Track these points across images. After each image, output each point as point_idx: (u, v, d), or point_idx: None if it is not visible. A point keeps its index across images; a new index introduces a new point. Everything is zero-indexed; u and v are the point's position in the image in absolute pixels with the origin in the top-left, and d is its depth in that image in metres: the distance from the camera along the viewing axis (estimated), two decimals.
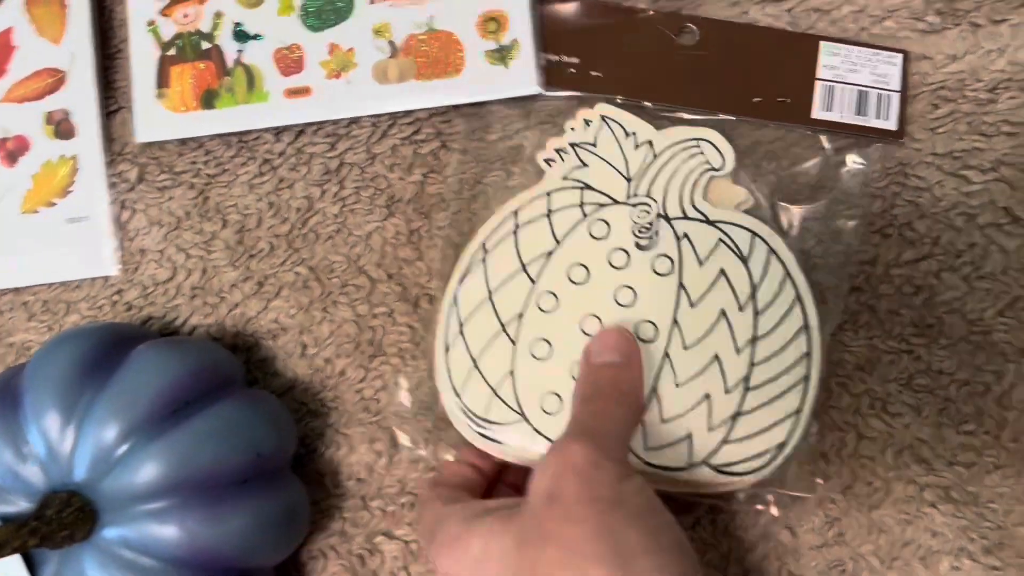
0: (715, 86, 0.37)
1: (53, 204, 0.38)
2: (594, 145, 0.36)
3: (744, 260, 0.34)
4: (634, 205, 0.35)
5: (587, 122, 0.36)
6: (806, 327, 0.34)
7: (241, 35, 0.38)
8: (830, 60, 0.37)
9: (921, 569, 0.35)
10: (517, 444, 0.34)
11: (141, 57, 0.38)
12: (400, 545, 0.37)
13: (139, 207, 0.39)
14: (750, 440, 0.33)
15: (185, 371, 0.32)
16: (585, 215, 0.35)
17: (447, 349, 0.35)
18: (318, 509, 0.37)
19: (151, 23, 0.39)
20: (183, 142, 0.39)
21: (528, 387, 0.34)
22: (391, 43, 0.38)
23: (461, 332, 0.35)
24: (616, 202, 0.35)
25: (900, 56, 0.37)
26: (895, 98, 0.37)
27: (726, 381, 0.33)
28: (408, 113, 0.38)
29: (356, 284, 0.38)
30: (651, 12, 0.38)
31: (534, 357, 0.34)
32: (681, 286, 0.34)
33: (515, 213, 0.35)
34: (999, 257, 0.36)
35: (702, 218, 0.35)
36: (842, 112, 0.37)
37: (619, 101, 0.37)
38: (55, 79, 0.39)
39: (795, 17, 0.38)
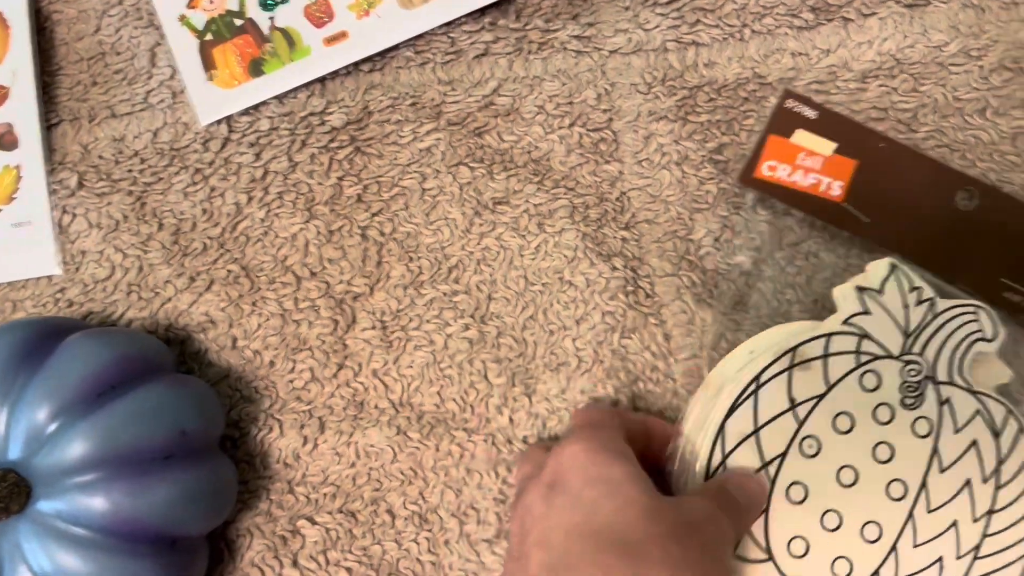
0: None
1: None
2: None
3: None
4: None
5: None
6: None
7: (268, 4, 0.42)
8: None
9: None
10: None
11: (182, 49, 0.42)
12: (321, 531, 0.39)
13: (79, 211, 0.42)
14: None
15: (111, 357, 0.35)
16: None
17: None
18: (247, 489, 0.40)
19: (182, 17, 0.42)
20: (119, 151, 0.42)
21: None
22: None
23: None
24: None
25: None
26: None
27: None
28: (324, 122, 0.42)
29: (283, 281, 0.41)
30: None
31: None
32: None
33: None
34: None
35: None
36: None
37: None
38: None
39: (682, 15, 0.41)
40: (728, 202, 0.40)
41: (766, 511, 0.34)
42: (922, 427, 0.35)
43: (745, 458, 0.34)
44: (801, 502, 0.34)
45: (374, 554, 0.39)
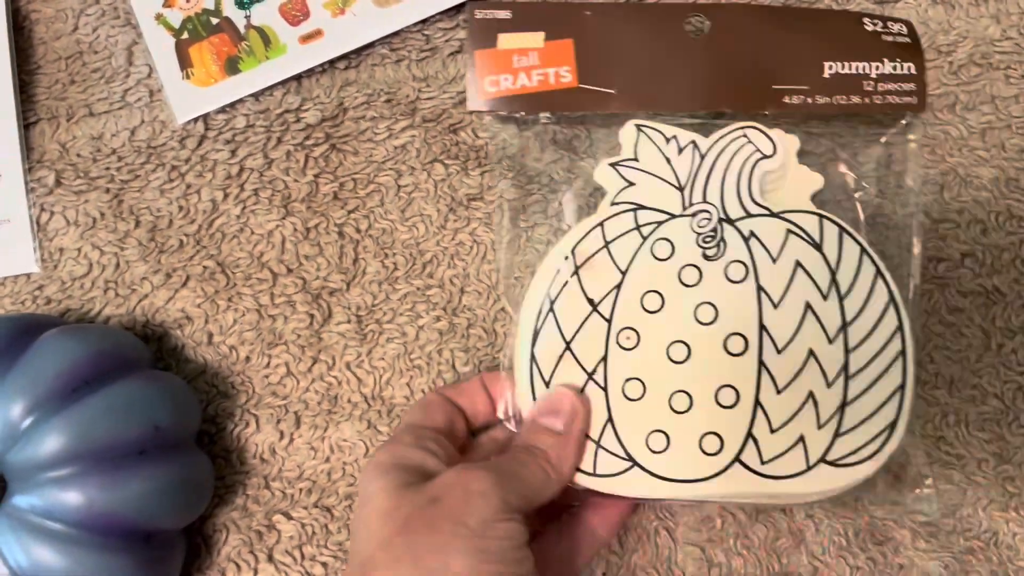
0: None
1: None
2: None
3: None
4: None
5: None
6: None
7: (244, 2, 0.42)
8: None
9: None
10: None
11: (158, 48, 0.42)
12: (296, 526, 0.40)
13: (57, 209, 0.42)
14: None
15: (85, 353, 0.35)
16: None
17: None
18: (224, 484, 0.40)
19: (159, 16, 0.42)
20: (97, 149, 0.42)
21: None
22: None
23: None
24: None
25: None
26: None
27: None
28: (299, 119, 0.42)
29: (259, 277, 0.41)
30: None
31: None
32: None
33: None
34: None
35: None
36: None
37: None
38: None
39: None
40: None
41: (610, 419, 0.32)
42: (736, 271, 0.33)
43: (568, 376, 0.33)
44: (642, 396, 0.33)
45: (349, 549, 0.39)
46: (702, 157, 0.34)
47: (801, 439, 0.32)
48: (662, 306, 0.33)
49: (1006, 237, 0.40)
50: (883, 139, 0.37)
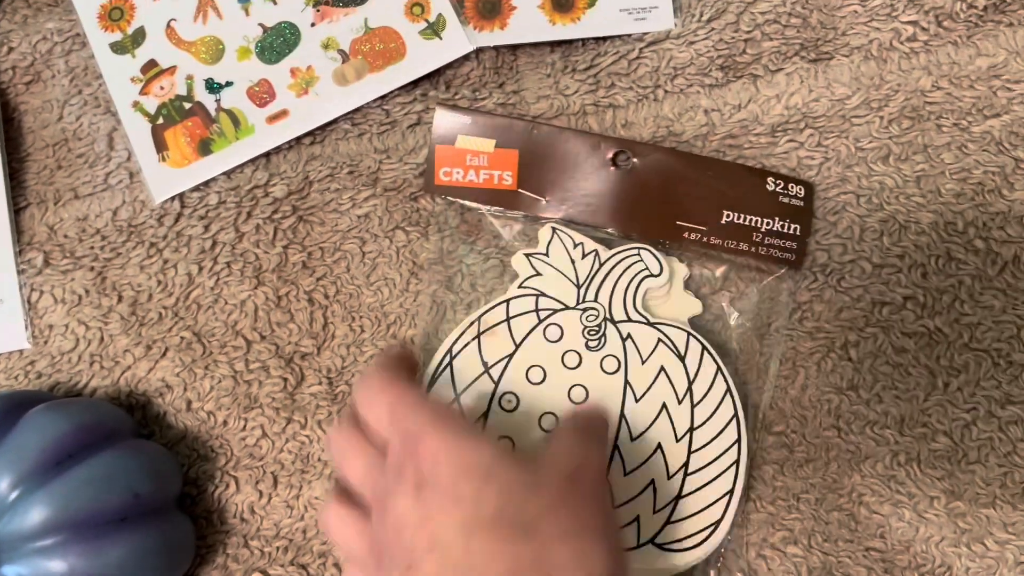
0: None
1: None
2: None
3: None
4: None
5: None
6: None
7: (214, 87, 0.45)
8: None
9: None
10: None
11: (136, 133, 0.45)
12: None
13: (46, 288, 0.45)
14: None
15: (68, 428, 0.38)
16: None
17: None
18: (205, 544, 0.43)
19: (136, 103, 0.45)
20: (83, 230, 0.45)
21: None
22: (341, 51, 0.45)
23: None
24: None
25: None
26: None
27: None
28: (268, 194, 0.44)
29: (234, 345, 0.44)
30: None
31: None
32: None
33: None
34: None
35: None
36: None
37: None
38: None
39: (598, 80, 0.44)
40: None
41: None
42: (610, 364, 0.38)
43: None
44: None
45: None
46: (601, 264, 0.40)
47: (636, 519, 0.37)
48: (543, 379, 0.39)
49: (946, 280, 0.42)
50: (762, 283, 0.42)
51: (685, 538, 0.37)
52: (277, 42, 0.45)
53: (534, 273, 0.40)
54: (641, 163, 0.41)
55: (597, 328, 0.39)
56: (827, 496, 0.41)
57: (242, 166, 0.45)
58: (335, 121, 0.45)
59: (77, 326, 0.44)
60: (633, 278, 0.40)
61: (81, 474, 0.37)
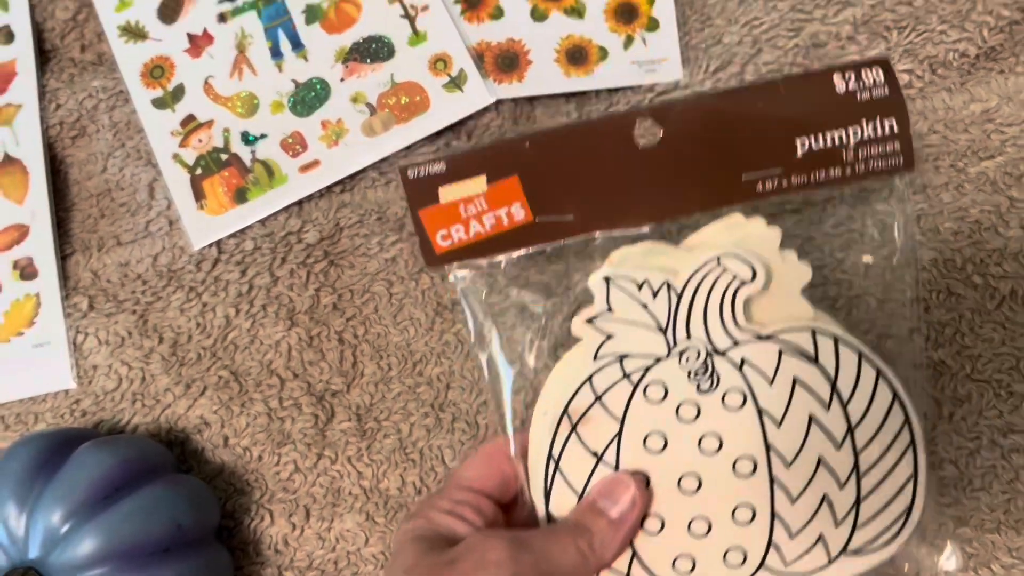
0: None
1: (22, 334, 0.47)
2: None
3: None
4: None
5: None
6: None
7: (249, 139, 0.48)
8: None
9: None
10: None
11: (175, 183, 0.48)
12: None
13: (90, 331, 0.47)
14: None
15: (115, 463, 0.40)
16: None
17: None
18: (243, 574, 0.44)
19: (175, 155, 0.48)
20: (125, 275, 0.48)
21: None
22: (368, 105, 0.47)
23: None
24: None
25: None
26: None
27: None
28: (300, 240, 0.47)
29: (269, 383, 0.46)
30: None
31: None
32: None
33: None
34: None
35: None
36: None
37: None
38: (20, 232, 0.48)
39: None
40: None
41: (635, 554, 0.33)
42: (734, 400, 0.33)
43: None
44: (661, 530, 0.33)
45: None
46: (679, 296, 0.33)
47: (821, 537, 0.33)
48: (665, 445, 0.33)
49: (947, 313, 0.44)
50: (875, 205, 0.36)
51: (878, 536, 0.33)
52: (309, 96, 0.48)
53: (604, 337, 0.34)
54: (669, 129, 0.34)
55: (704, 368, 0.33)
56: None
57: (276, 214, 0.47)
58: (364, 170, 0.47)
59: (120, 366, 0.47)
60: (724, 295, 0.33)
61: (127, 507, 0.39)
